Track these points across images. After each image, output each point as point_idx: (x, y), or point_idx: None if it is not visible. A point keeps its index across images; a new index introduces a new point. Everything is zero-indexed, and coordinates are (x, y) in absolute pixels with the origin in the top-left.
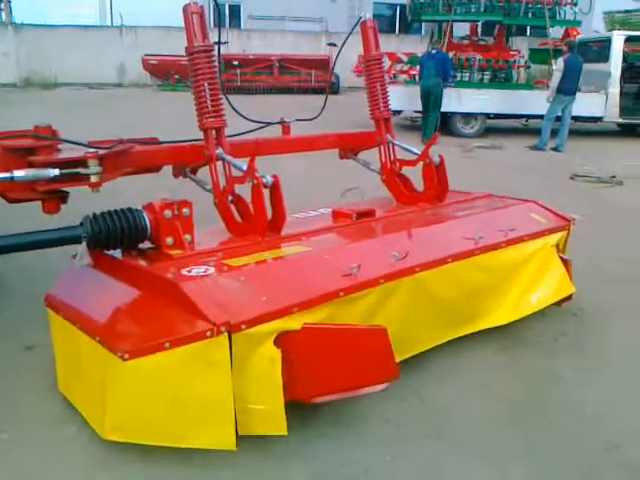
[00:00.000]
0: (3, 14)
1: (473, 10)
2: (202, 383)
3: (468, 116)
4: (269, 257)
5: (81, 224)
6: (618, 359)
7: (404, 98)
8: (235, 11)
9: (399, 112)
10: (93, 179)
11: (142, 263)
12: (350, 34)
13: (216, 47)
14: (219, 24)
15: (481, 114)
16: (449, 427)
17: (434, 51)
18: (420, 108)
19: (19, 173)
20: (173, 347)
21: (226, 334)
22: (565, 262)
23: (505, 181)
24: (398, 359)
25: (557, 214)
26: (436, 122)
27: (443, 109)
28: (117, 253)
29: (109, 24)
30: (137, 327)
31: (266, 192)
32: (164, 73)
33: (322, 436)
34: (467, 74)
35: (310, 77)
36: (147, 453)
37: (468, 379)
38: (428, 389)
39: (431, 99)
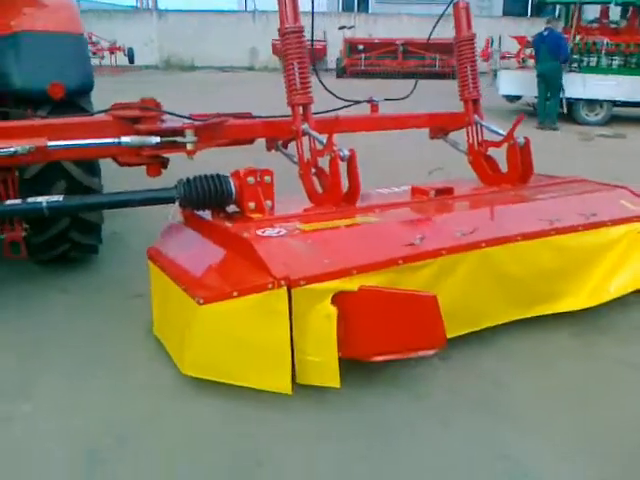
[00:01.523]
0: (150, 1)
1: None
2: (263, 330)
3: (593, 103)
4: (338, 225)
5: (175, 187)
6: None
7: (522, 83)
8: None
9: (518, 97)
10: (189, 147)
11: (226, 223)
12: (442, 16)
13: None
14: (312, 12)
15: (607, 101)
16: (502, 400)
17: (546, 32)
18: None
19: (126, 139)
20: (240, 296)
21: (285, 288)
22: None
23: (621, 171)
24: (462, 332)
25: None
26: (556, 108)
27: (566, 95)
28: (207, 215)
29: (243, 9)
30: (214, 278)
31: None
32: None
33: (380, 394)
34: (594, 59)
35: (434, 61)
36: (224, 391)
37: (534, 359)
38: (489, 363)
39: (548, 83)
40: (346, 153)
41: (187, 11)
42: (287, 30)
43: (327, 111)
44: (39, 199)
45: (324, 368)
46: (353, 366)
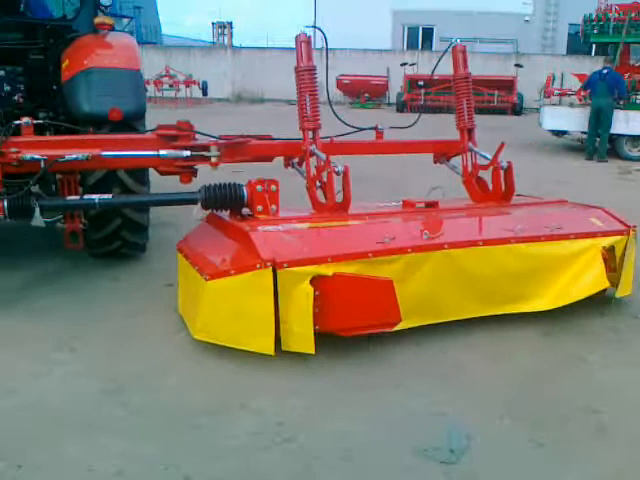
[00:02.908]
0: (226, 38)
1: None
2: (252, 302)
3: (637, 139)
4: (325, 225)
5: (199, 191)
6: None
7: (564, 118)
8: (428, 34)
9: (564, 132)
10: (213, 160)
11: (236, 221)
12: (442, 57)
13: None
14: (326, 48)
15: None
16: (456, 376)
17: (605, 71)
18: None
19: (163, 152)
20: (236, 274)
21: (271, 268)
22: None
23: None
24: (430, 322)
25: (620, 221)
26: (606, 142)
27: (611, 131)
28: (226, 216)
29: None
30: (221, 260)
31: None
32: (355, 92)
33: (353, 364)
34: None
35: (493, 97)
36: (224, 354)
37: (499, 350)
38: (456, 350)
39: (601, 118)
40: (341, 169)
41: (259, 48)
42: (301, 68)
43: (338, 135)
44: (93, 196)
45: (302, 337)
46: (334, 342)
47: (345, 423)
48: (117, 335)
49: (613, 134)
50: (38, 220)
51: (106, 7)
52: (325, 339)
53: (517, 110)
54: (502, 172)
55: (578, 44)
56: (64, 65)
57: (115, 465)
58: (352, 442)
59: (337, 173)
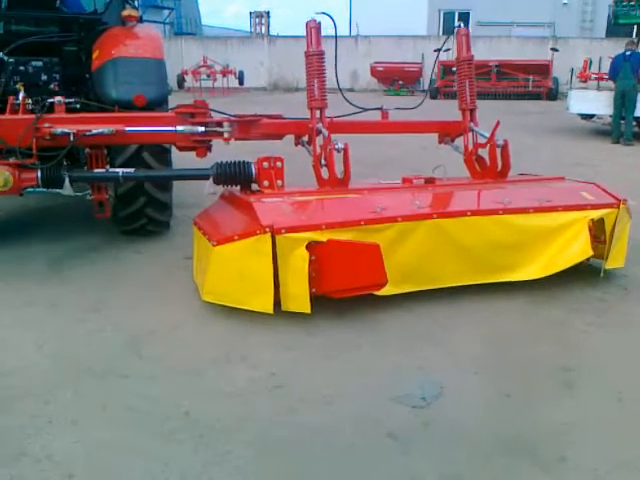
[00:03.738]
0: (263, 28)
1: None
2: (254, 265)
3: None
4: (323, 198)
5: (211, 168)
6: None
7: (590, 101)
8: (464, 18)
9: (591, 116)
10: (225, 135)
11: (245, 196)
12: (447, 40)
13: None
14: (335, 35)
15: None
16: (440, 336)
17: (628, 52)
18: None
19: (180, 127)
20: (239, 239)
21: (270, 234)
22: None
23: None
24: (421, 288)
25: (611, 195)
26: (632, 125)
27: (637, 114)
28: (237, 191)
29: (347, 34)
30: (228, 229)
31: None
32: (389, 79)
33: (345, 326)
34: None
35: (527, 82)
36: (229, 315)
37: (483, 315)
38: (443, 314)
39: (626, 100)
40: (341, 146)
41: (295, 37)
42: (311, 53)
43: (343, 115)
44: (117, 170)
45: (299, 298)
46: (331, 307)
47: (330, 374)
48: (137, 299)
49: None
50: (68, 189)
51: (134, 0)
52: (323, 304)
53: (552, 95)
54: (499, 150)
55: (616, 27)
56: (94, 55)
57: (126, 402)
58: (334, 390)
59: (337, 150)
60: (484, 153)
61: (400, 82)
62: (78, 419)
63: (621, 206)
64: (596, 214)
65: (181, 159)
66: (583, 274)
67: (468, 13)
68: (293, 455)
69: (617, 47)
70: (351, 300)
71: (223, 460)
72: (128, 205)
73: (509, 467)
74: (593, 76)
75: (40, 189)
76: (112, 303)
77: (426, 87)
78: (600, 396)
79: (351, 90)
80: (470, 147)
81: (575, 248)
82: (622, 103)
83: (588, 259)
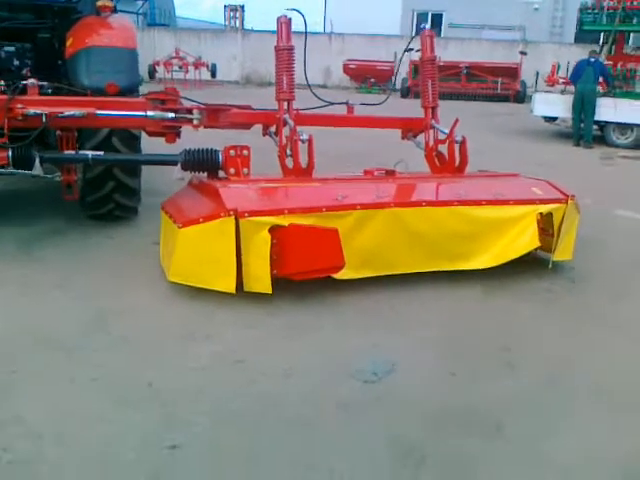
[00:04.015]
0: (238, 21)
1: None
2: (217, 247)
3: (624, 126)
4: (288, 185)
5: (180, 154)
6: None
7: (553, 105)
8: (437, 20)
9: (554, 119)
10: (195, 122)
11: (211, 182)
12: (411, 41)
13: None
14: (305, 32)
15: (637, 125)
16: (392, 318)
17: (592, 59)
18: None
19: (150, 113)
20: (204, 222)
21: (233, 217)
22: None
23: (614, 184)
24: (379, 273)
25: (560, 191)
26: (591, 128)
27: (597, 118)
28: (204, 178)
29: (322, 31)
30: (192, 212)
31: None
32: (362, 77)
33: (306, 307)
34: (630, 85)
35: (496, 85)
36: (194, 295)
37: (437, 302)
38: (399, 301)
39: (585, 104)
40: (305, 137)
41: (270, 31)
42: (281, 47)
43: (310, 108)
44: (87, 152)
45: (261, 279)
46: (293, 290)
47: (290, 352)
48: (105, 280)
49: (601, 121)
50: (38, 169)
51: None
52: (285, 288)
53: (520, 97)
54: (457, 146)
55: (586, 33)
56: (68, 43)
57: (93, 374)
58: (293, 365)
59: (302, 141)
60: (444, 149)
61: (372, 80)
62: (46, 389)
63: (569, 202)
64: (545, 208)
65: (150, 144)
66: (531, 266)
67: (441, 15)
68: (246, 424)
69: (584, 53)
70: (312, 284)
71: (183, 427)
72: (97, 190)
73: (455, 433)
74: (560, 80)
75: (10, 170)
76: (80, 283)
77: (398, 86)
78: (536, 375)
79: (324, 87)
80: (431, 143)
81: (524, 239)
82: (582, 106)
83: (536, 250)
